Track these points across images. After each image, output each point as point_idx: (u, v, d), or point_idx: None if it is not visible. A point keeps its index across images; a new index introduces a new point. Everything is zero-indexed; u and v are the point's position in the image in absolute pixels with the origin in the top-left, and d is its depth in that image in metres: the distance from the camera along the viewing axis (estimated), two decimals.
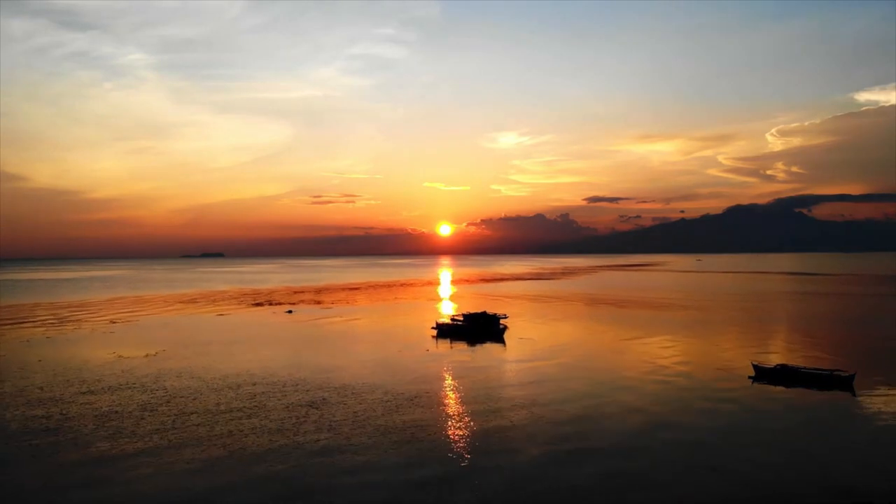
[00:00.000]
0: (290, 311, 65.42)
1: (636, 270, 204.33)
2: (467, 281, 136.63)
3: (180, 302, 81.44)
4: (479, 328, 50.66)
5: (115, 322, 57.98)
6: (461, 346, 42.91)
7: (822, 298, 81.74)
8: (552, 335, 46.84)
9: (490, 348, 41.92)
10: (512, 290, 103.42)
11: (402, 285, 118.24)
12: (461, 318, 54.95)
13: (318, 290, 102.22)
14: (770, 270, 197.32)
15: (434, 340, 45.62)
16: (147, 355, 39.40)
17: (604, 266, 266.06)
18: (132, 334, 49.74)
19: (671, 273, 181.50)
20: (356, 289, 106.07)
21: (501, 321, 53.03)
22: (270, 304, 75.30)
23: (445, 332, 47.41)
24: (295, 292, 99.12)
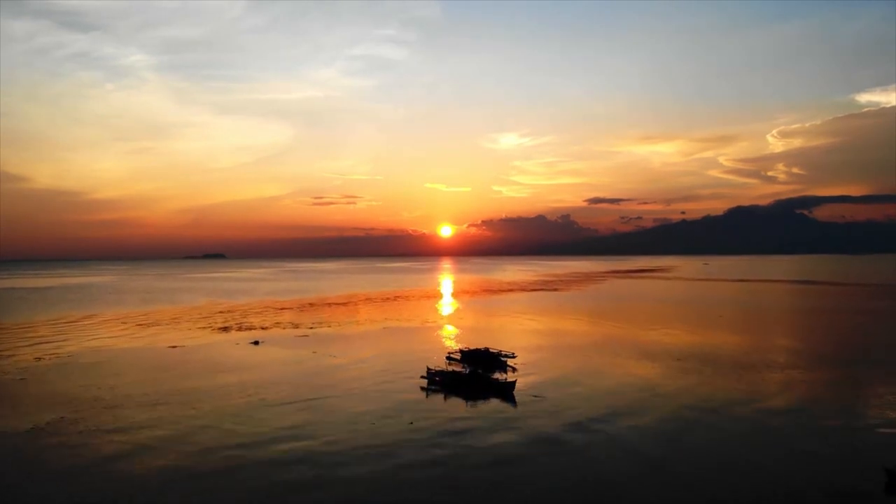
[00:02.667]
0: (256, 343, 55.28)
1: (647, 278, 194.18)
2: (468, 293, 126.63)
3: (139, 324, 71.44)
4: (481, 366, 41.46)
5: (40, 359, 47.83)
6: (457, 408, 32.78)
7: (877, 320, 71.70)
8: (577, 388, 36.31)
9: (495, 414, 31.69)
10: (517, 305, 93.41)
11: (396, 298, 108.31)
12: (458, 356, 45.31)
13: (302, 307, 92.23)
14: (789, 279, 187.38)
15: (424, 393, 35.77)
16: (33, 428, 29.22)
17: (611, 272, 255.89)
18: (43, 383, 39.20)
19: (685, 282, 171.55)
20: (345, 304, 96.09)
21: (508, 361, 43.20)
22: (239, 329, 65.20)
23: (438, 382, 37.37)
24: (276, 309, 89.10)
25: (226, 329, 65.68)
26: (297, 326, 67.18)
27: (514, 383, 35.32)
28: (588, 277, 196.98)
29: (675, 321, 69.69)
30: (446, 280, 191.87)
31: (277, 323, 70.86)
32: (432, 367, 39.19)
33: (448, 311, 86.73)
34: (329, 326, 66.84)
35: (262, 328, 66.30)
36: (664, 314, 77.94)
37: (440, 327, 66.00)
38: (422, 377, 38.21)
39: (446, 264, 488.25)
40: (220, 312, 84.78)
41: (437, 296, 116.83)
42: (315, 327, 66.35)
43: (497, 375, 39.57)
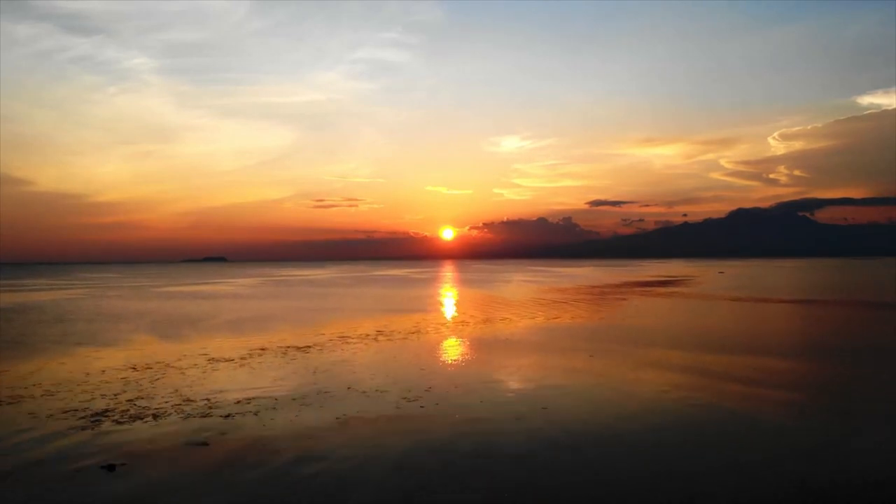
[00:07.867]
0: (111, 468, 33.52)
1: (672, 296, 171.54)
2: (467, 324, 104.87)
3: (9, 397, 49.71)
4: None
5: None
6: None
7: None
8: None
9: None
10: (531, 356, 71.08)
11: (377, 337, 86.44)
12: None
13: (247, 357, 69.91)
14: (841, 298, 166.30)
15: None
16: None
17: (626, 284, 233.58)
18: None
19: (719, 303, 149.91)
20: (307, 351, 74.08)
21: None
22: (120, 420, 43.25)
23: None
24: (209, 362, 66.88)
25: (100, 419, 43.62)
26: (207, 414, 44.84)
27: None
28: (604, 295, 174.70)
29: (764, 395, 47.60)
30: (443, 300, 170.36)
31: (189, 401, 48.56)
32: None
33: (436, 370, 64.74)
34: (255, 415, 44.52)
35: (156, 415, 44.15)
36: (743, 379, 55.97)
37: (423, 421, 43.91)
38: None
39: (447, 271, 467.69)
40: (132, 370, 62.47)
41: (428, 331, 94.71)
42: (236, 415, 44.08)
43: None
